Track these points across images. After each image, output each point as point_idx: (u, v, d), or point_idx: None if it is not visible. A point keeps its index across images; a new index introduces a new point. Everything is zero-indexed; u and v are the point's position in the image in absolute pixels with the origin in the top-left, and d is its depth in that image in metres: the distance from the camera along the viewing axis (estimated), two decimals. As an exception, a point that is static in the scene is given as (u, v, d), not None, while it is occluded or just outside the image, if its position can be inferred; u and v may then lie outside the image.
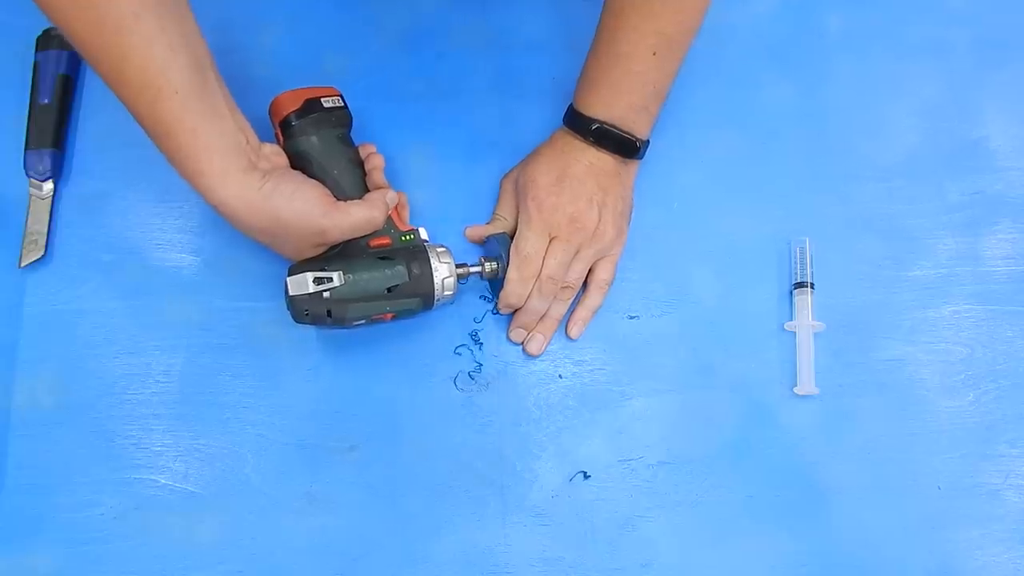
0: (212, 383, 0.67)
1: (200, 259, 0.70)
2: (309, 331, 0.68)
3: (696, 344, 0.69)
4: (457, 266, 0.64)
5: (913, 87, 0.78)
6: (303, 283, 0.60)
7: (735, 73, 0.78)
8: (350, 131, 0.67)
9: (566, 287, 0.67)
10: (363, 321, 0.62)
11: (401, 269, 0.62)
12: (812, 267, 0.70)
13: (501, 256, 0.67)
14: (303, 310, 0.61)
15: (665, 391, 0.68)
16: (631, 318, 0.70)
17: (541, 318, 0.68)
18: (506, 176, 0.72)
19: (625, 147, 0.67)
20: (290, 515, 0.64)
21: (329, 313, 0.61)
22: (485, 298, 0.70)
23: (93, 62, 0.53)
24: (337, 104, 0.65)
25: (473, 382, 0.68)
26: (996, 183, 0.75)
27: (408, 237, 0.64)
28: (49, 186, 0.70)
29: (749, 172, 0.74)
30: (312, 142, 0.63)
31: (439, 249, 0.64)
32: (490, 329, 0.69)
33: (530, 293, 0.66)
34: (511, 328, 0.68)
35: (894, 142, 0.76)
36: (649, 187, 0.73)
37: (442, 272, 0.63)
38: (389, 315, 0.63)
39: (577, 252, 0.67)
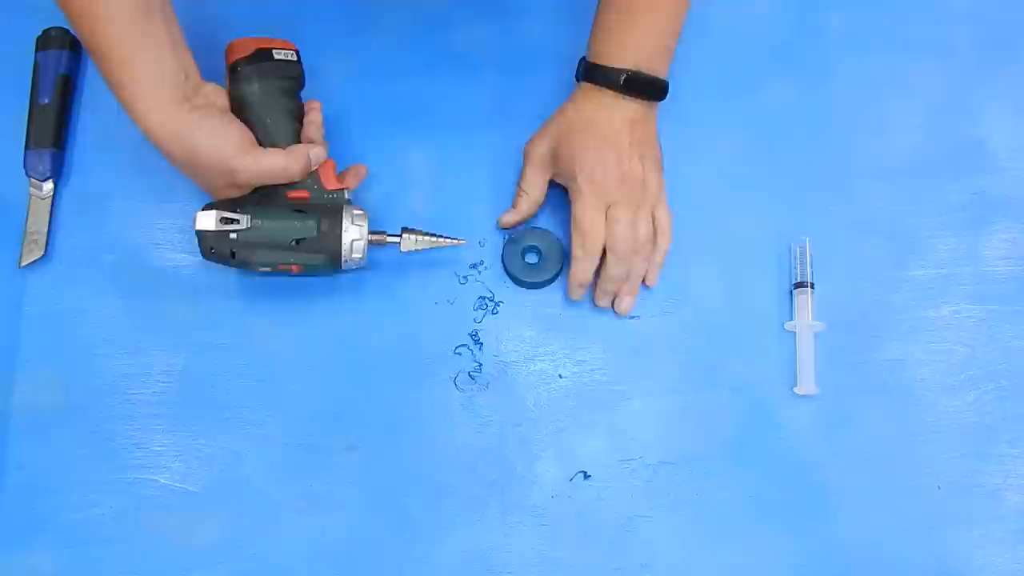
0: (212, 383, 0.67)
1: (200, 259, 0.69)
2: (309, 331, 0.68)
3: (696, 344, 0.69)
4: (373, 232, 0.65)
5: (914, 87, 0.78)
6: (209, 219, 0.61)
7: (736, 72, 0.78)
8: (300, 86, 0.67)
9: (637, 251, 0.68)
10: (269, 269, 0.64)
11: (311, 224, 0.62)
12: (812, 267, 0.70)
13: (555, 250, 0.70)
14: (209, 247, 0.62)
15: (665, 391, 0.68)
16: (631, 318, 0.70)
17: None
18: (531, 145, 0.70)
19: (654, 90, 0.67)
20: (290, 515, 0.64)
21: (233, 254, 0.62)
22: (485, 299, 0.70)
23: None
24: (289, 58, 0.66)
25: (473, 382, 0.68)
26: (997, 183, 0.75)
27: (331, 196, 0.65)
28: (49, 186, 0.70)
29: (750, 171, 0.74)
30: (253, 89, 0.64)
31: (356, 211, 0.64)
32: (490, 329, 0.69)
33: (607, 263, 0.67)
34: (598, 296, 0.69)
35: (895, 142, 0.76)
36: (649, 187, 0.72)
37: (352, 234, 0.63)
38: (295, 267, 0.64)
39: (636, 210, 0.67)
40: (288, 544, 0.63)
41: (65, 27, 0.73)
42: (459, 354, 0.68)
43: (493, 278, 0.70)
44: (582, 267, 0.67)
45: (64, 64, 0.72)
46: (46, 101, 0.71)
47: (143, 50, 0.57)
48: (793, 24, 0.80)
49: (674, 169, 0.74)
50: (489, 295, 0.70)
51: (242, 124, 0.62)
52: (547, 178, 0.70)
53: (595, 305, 0.70)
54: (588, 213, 0.66)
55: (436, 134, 0.74)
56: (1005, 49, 0.80)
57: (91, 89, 0.74)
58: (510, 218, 0.70)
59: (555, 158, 0.69)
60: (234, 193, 0.64)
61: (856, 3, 0.80)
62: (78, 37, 0.59)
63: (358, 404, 0.67)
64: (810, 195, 0.74)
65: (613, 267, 0.67)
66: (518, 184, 0.71)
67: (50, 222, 0.70)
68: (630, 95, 0.66)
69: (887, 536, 0.65)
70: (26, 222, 0.69)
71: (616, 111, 0.67)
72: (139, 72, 0.57)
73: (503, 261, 0.70)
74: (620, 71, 0.65)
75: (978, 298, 0.72)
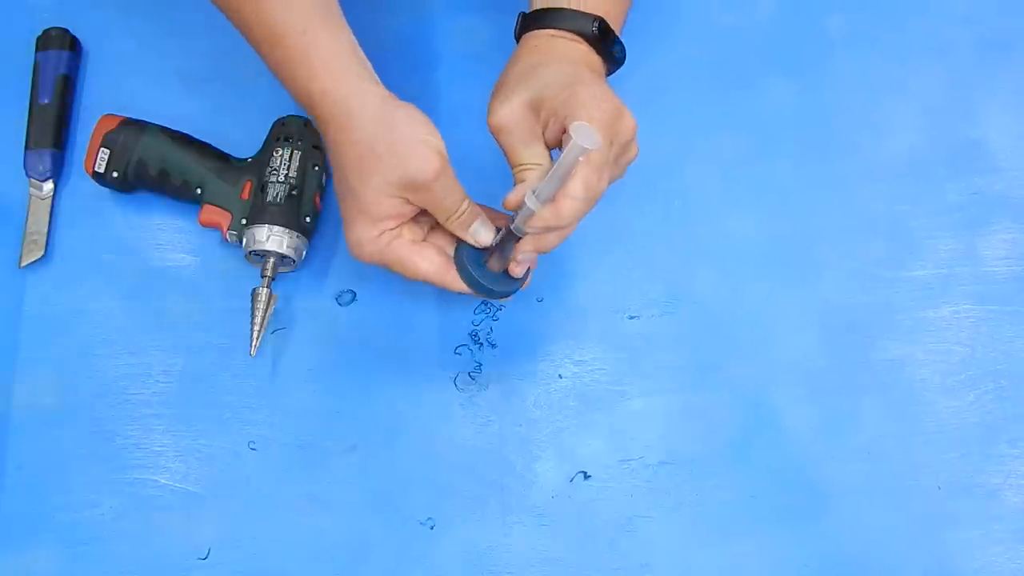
0: (212, 383, 0.67)
1: (200, 259, 0.70)
2: (310, 331, 0.68)
3: (696, 344, 0.69)
4: None
5: (914, 87, 0.78)
6: None
7: (736, 73, 0.78)
8: None
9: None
10: None
11: None
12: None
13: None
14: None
15: (665, 391, 0.68)
16: (631, 318, 0.70)
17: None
18: (501, 114, 0.55)
19: (616, 54, 0.59)
20: (290, 515, 0.64)
21: None
22: (486, 303, 0.70)
23: None
24: None
25: (473, 382, 0.68)
26: (996, 183, 0.75)
27: None
28: (49, 186, 0.70)
29: (749, 172, 0.74)
30: None
31: None
32: (490, 329, 0.69)
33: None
34: (522, 255, 0.57)
35: (895, 142, 0.76)
36: (650, 186, 0.72)
37: None
38: None
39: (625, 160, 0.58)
40: (288, 544, 0.63)
41: (65, 27, 0.73)
42: (459, 354, 0.68)
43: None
44: (579, 211, 0.54)
45: (64, 64, 0.72)
46: (46, 101, 0.71)
47: (325, 25, 0.53)
48: (793, 24, 0.80)
49: (674, 169, 0.74)
50: (490, 301, 0.69)
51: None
52: (541, 138, 0.56)
53: (511, 271, 0.59)
54: (604, 147, 0.53)
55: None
56: (1004, 49, 0.80)
57: (91, 89, 0.74)
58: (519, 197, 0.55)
59: (538, 108, 0.55)
60: (385, 206, 0.54)
61: (856, 4, 0.80)
62: (241, 27, 0.55)
63: (358, 404, 0.67)
64: (810, 195, 0.74)
65: (577, 222, 0.56)
66: (514, 164, 0.56)
67: (50, 222, 0.70)
68: (595, 49, 0.58)
69: (887, 536, 0.65)
70: (26, 222, 0.69)
71: (593, 63, 0.58)
72: (322, 42, 0.53)
73: (461, 267, 0.58)
74: (590, 16, 0.57)
75: (978, 298, 0.72)
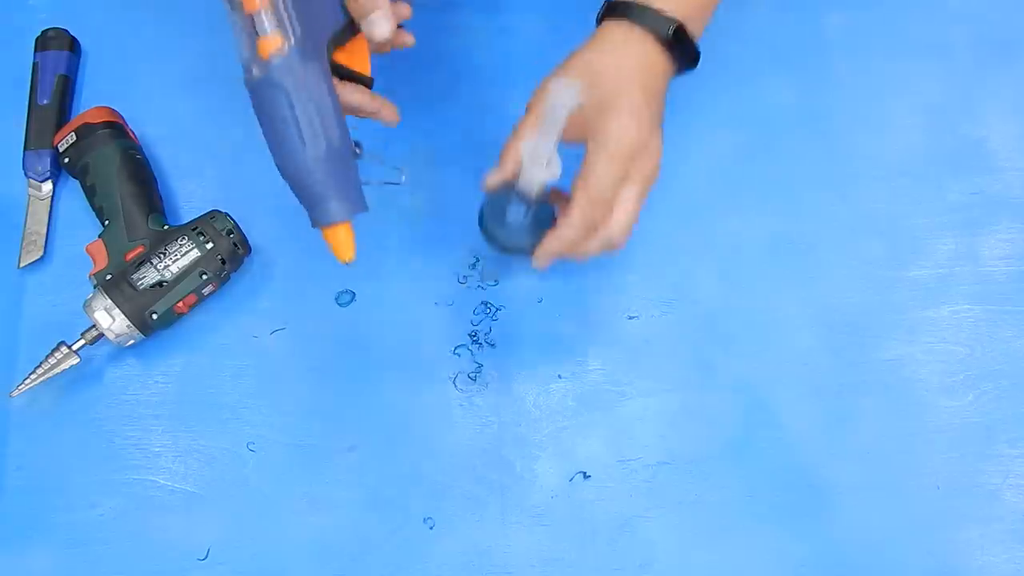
0: (212, 383, 0.67)
1: (200, 259, 0.70)
2: (309, 331, 0.68)
3: (696, 344, 0.69)
4: None
5: (914, 86, 0.78)
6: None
7: (735, 72, 0.77)
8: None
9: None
10: None
11: None
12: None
13: (529, 202, 0.58)
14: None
15: (665, 391, 0.68)
16: (631, 318, 0.70)
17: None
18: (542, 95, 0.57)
19: (688, 57, 0.59)
20: (290, 515, 0.64)
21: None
22: (486, 303, 0.70)
23: None
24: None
25: (473, 382, 0.68)
26: (996, 183, 0.75)
27: None
28: (49, 186, 0.70)
29: (749, 171, 0.74)
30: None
31: None
32: (489, 329, 0.69)
33: (588, 246, 0.58)
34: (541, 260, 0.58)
35: (895, 142, 0.76)
36: (649, 187, 0.72)
37: None
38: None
39: (640, 195, 0.58)
40: (288, 544, 0.63)
41: (64, 27, 0.73)
42: (458, 355, 0.68)
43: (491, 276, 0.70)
44: (572, 237, 0.57)
45: (63, 64, 0.72)
46: (45, 101, 0.71)
47: None
48: (793, 24, 0.80)
49: (674, 169, 0.73)
50: (494, 303, 0.70)
51: None
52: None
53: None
54: (607, 180, 0.56)
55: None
56: (1005, 49, 0.80)
57: (91, 89, 0.74)
58: (495, 179, 0.58)
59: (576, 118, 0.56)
60: None
61: (856, 3, 0.80)
62: None
63: (358, 404, 0.67)
64: (810, 195, 0.74)
65: (590, 251, 0.59)
66: (511, 137, 0.58)
67: (50, 222, 0.70)
68: (669, 52, 0.57)
69: (887, 536, 0.65)
70: (26, 222, 0.69)
71: (655, 68, 0.58)
72: None
73: (482, 218, 0.61)
74: (669, 20, 0.56)
75: (978, 298, 0.72)
